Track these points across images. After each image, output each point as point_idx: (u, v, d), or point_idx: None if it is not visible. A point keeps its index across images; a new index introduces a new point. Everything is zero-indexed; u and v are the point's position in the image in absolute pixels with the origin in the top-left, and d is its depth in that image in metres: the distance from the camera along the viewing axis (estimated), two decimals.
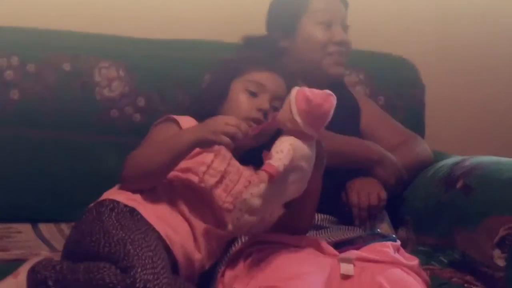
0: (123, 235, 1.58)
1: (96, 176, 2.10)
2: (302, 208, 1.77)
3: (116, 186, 1.78)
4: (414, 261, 1.80)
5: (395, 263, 1.74)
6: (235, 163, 1.85)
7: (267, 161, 1.54)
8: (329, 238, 1.90)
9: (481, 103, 2.89)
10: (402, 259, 1.77)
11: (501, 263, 1.82)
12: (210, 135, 1.64)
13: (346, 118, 2.21)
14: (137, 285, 1.45)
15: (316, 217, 1.98)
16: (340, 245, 1.83)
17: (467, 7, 2.84)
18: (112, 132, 2.20)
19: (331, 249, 1.75)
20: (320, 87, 1.61)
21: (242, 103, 1.87)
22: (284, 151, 1.55)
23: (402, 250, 1.86)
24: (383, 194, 2.03)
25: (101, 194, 1.78)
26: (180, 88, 2.24)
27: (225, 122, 1.64)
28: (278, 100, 1.85)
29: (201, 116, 1.79)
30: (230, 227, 1.57)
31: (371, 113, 2.31)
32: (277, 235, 1.75)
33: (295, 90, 1.58)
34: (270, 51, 2.00)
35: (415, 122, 2.49)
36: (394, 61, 2.56)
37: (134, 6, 2.44)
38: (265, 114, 1.86)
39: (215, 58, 2.16)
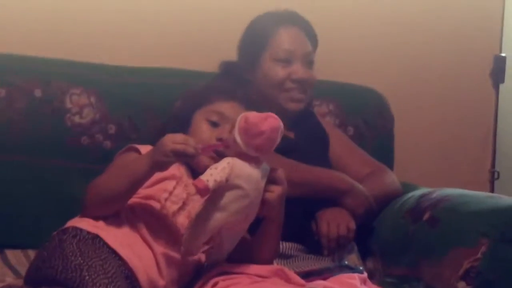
0: (81, 261, 1.61)
1: (66, 203, 2.07)
2: (265, 237, 1.78)
3: (79, 215, 1.79)
4: None
5: None
6: None
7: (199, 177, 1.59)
8: (297, 268, 1.91)
9: (450, 136, 2.91)
10: None
11: None
12: (161, 157, 1.65)
13: (315, 148, 2.24)
14: None
15: (285, 245, 1.99)
16: (307, 275, 1.84)
17: (436, 39, 2.87)
18: (82, 159, 2.20)
19: (297, 279, 1.75)
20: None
21: (203, 133, 1.88)
22: (219, 168, 1.60)
23: (369, 282, 1.87)
24: (352, 225, 2.03)
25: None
26: (151, 115, 2.24)
27: (173, 141, 1.64)
28: None
29: None
30: (182, 248, 1.65)
31: (340, 144, 2.33)
32: (243, 265, 1.75)
33: (241, 114, 1.64)
34: (235, 81, 2.02)
35: (384, 153, 2.51)
36: (363, 92, 2.57)
37: (107, 33, 2.44)
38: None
39: (186, 86, 2.17)
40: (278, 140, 1.63)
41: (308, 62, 2.21)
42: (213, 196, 1.62)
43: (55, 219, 1.84)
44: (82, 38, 2.41)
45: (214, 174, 1.59)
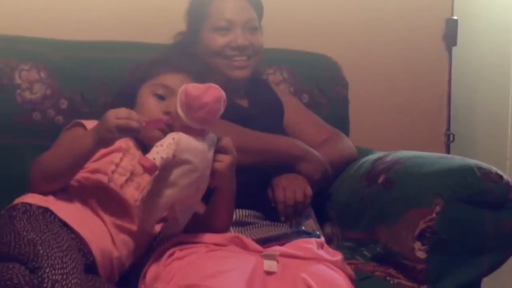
0: (34, 236, 1.59)
1: (17, 179, 2.00)
2: (218, 207, 1.78)
3: (27, 192, 1.78)
4: (338, 257, 1.82)
5: (318, 259, 1.76)
6: None
7: (145, 155, 1.58)
8: (254, 235, 1.92)
9: (403, 100, 2.93)
10: (326, 255, 1.79)
11: (421, 255, 1.86)
12: (105, 134, 1.64)
13: (269, 116, 2.24)
14: (45, 285, 1.48)
15: (242, 213, 2.00)
16: (265, 242, 1.84)
17: (388, 3, 2.88)
18: (34, 135, 2.17)
19: (254, 246, 1.76)
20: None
21: (150, 107, 1.87)
22: (164, 144, 1.59)
23: (326, 246, 1.88)
24: (309, 191, 2.04)
25: None
26: (102, 89, 2.22)
27: (116, 116, 1.63)
28: None
29: None
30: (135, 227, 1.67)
31: (294, 111, 2.33)
32: (199, 235, 1.75)
33: (182, 87, 1.62)
34: (184, 53, 2.01)
35: (339, 119, 2.52)
36: (317, 59, 2.57)
37: (54, 8, 2.41)
38: None
39: (139, 60, 2.15)
40: (222, 110, 1.62)
41: (251, 29, 2.19)
42: (162, 173, 1.61)
43: (7, 196, 1.82)
44: (29, 13, 2.38)
45: (160, 151, 1.58)
